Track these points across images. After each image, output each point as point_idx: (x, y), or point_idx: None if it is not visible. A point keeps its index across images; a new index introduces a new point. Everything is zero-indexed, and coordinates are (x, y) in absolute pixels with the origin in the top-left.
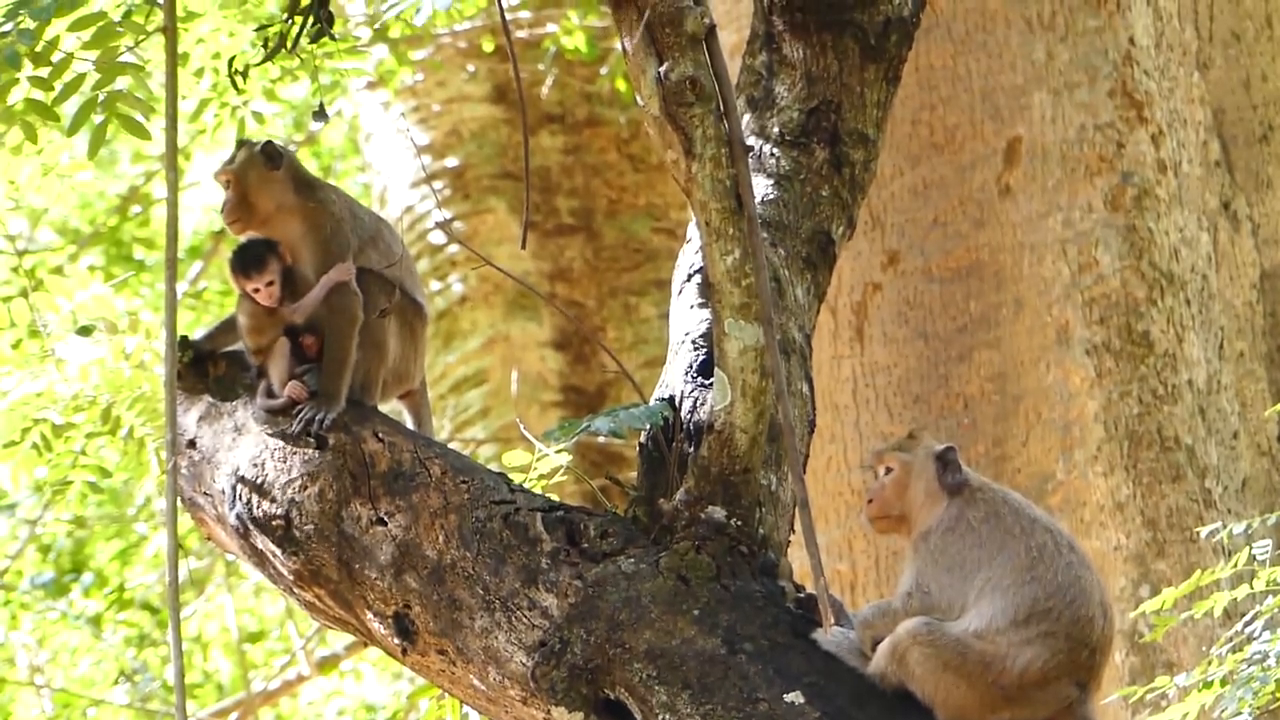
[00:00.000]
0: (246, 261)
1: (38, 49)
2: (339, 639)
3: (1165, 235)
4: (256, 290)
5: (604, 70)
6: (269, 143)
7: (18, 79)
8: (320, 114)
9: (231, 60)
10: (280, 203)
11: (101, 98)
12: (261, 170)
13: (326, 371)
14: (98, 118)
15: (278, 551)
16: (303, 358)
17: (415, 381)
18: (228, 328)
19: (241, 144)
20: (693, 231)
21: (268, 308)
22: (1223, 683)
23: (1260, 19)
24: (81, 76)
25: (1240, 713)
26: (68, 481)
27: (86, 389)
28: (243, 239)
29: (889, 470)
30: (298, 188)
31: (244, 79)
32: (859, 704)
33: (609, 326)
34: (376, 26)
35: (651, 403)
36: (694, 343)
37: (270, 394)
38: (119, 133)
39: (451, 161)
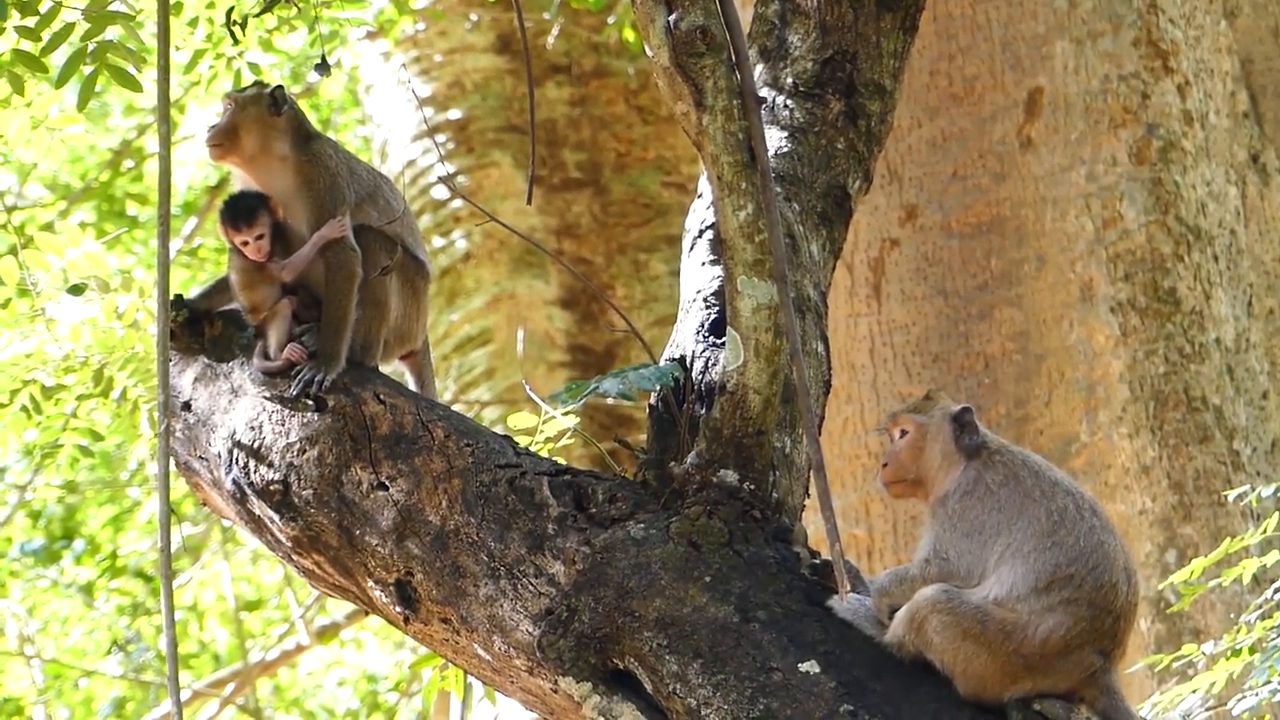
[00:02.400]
0: (237, 213)
1: None
2: (339, 607)
3: (1192, 189)
4: (245, 243)
5: (612, 19)
6: (279, 87)
7: (4, 29)
8: (323, 66)
9: (230, 11)
10: (269, 149)
11: (91, 48)
12: (262, 110)
13: (325, 331)
14: (87, 69)
15: (275, 517)
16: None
17: (417, 342)
18: (224, 286)
19: (259, 83)
20: (704, 186)
21: (258, 263)
22: (1251, 651)
23: None
24: (70, 26)
25: (1269, 682)
26: (58, 445)
27: (78, 349)
28: (236, 190)
29: (904, 433)
30: (294, 140)
31: (243, 30)
32: (875, 674)
33: (618, 284)
34: None
35: (662, 363)
36: (705, 301)
37: (268, 355)
38: (109, 84)
39: (454, 114)
